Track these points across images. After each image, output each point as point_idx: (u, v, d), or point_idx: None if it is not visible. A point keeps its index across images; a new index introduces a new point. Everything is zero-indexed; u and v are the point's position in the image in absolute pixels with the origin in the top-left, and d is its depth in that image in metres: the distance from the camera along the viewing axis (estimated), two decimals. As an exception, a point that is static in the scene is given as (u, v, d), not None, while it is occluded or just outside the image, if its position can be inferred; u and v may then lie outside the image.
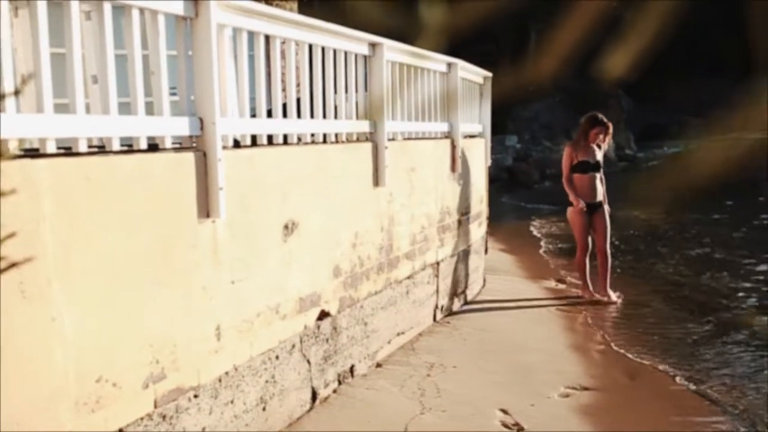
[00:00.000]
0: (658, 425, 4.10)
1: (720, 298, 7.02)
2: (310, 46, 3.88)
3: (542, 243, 10.55)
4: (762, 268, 8.43)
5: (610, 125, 6.72)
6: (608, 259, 6.67)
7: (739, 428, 4.05)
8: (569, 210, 6.68)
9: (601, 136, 6.66)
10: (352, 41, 4.23)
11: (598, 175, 6.68)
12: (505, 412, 4.04)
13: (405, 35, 5.18)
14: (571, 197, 6.57)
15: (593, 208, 6.62)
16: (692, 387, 4.64)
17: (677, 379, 4.79)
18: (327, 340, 3.97)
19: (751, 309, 6.64)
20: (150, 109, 2.80)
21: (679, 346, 5.53)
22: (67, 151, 2.43)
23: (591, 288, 6.77)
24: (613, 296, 6.63)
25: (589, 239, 6.73)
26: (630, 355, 5.21)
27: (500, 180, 18.96)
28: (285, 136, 3.66)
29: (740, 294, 7.19)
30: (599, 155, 6.71)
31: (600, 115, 6.73)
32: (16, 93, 1.67)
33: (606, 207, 6.73)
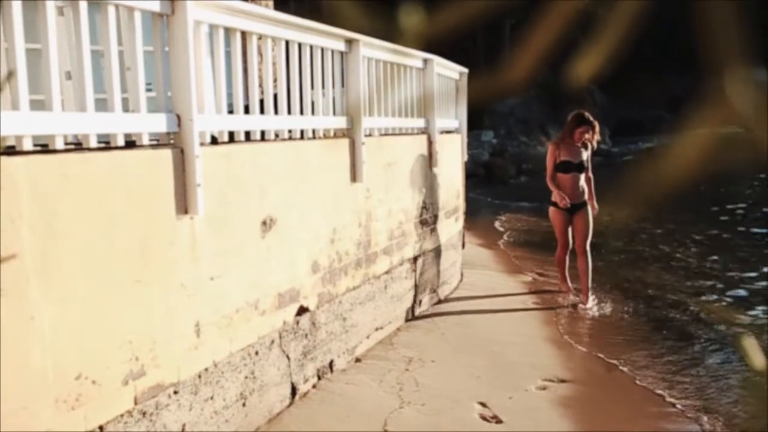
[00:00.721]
0: (633, 416, 4.17)
1: (690, 295, 7.13)
2: (287, 43, 3.88)
3: (515, 238, 10.62)
4: (736, 269, 8.56)
5: (596, 124, 6.54)
6: (588, 260, 6.52)
7: (710, 425, 4.14)
8: (551, 208, 6.63)
9: (587, 136, 6.47)
10: (328, 37, 4.23)
11: (582, 176, 6.54)
12: (483, 405, 4.09)
13: (383, 34, 5.19)
14: (555, 195, 6.46)
15: (575, 207, 6.52)
16: (659, 382, 4.70)
17: (646, 373, 4.86)
18: (306, 335, 3.98)
19: (727, 306, 6.73)
20: (125, 106, 2.79)
21: (651, 342, 5.60)
22: (43, 148, 2.42)
23: (569, 283, 6.83)
24: (590, 304, 6.46)
25: (570, 238, 6.67)
26: (604, 351, 5.28)
27: (477, 175, 19.06)
28: (262, 133, 3.66)
29: (713, 293, 7.31)
30: (584, 155, 6.54)
31: (586, 114, 6.54)
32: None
33: (594, 204, 6.62)
